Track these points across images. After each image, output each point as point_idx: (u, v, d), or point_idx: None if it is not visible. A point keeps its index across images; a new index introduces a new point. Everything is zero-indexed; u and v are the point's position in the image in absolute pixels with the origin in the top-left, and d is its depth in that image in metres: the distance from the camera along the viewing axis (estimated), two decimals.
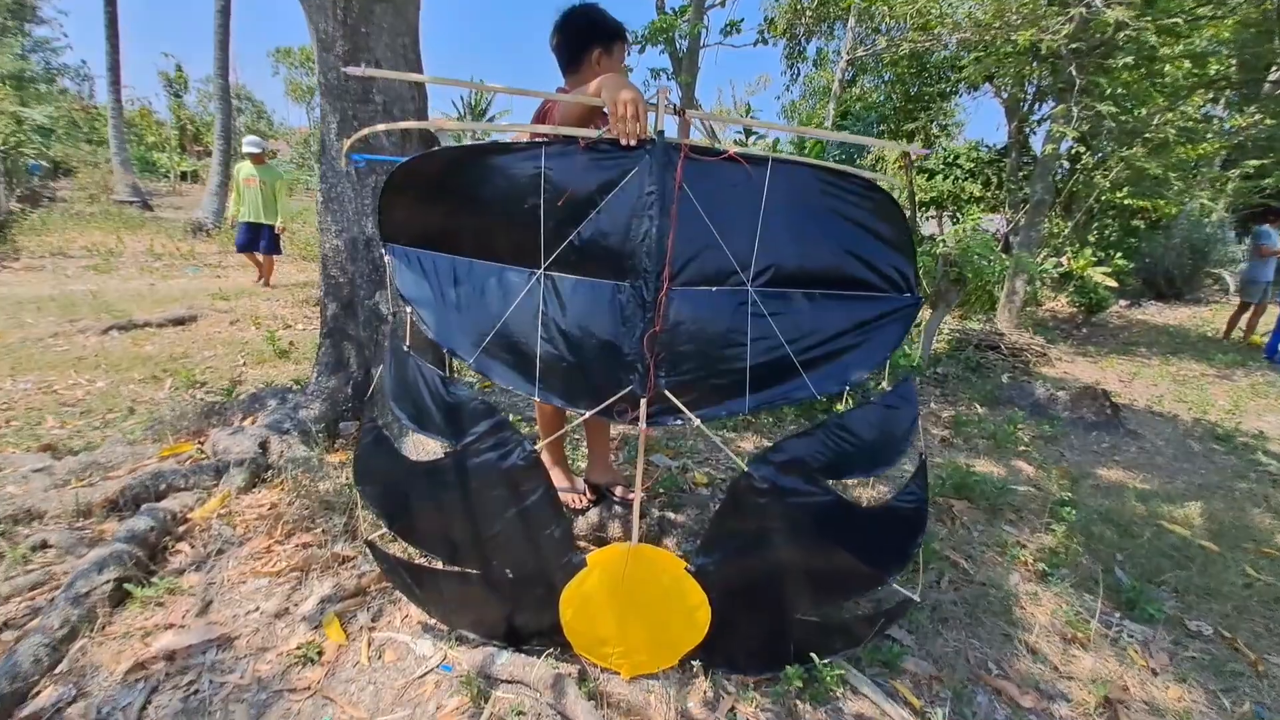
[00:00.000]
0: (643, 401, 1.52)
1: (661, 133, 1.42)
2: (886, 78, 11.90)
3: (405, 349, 1.62)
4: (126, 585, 1.91)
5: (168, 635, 1.78)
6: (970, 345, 6.43)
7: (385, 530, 1.77)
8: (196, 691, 1.65)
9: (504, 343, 1.56)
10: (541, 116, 1.85)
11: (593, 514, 2.29)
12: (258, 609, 1.94)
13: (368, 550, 1.86)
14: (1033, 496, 3.11)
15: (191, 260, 8.97)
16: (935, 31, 9.03)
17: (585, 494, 2.34)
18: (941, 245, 6.44)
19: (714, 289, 1.53)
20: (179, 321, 5.40)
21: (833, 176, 1.53)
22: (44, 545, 2.13)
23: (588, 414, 1.55)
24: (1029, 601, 2.22)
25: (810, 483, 1.59)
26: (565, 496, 2.31)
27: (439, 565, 1.79)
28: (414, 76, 1.77)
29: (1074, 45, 6.56)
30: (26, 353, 4.44)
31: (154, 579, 1.98)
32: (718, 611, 1.66)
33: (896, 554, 1.71)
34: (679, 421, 1.57)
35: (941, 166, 14.16)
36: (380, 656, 1.80)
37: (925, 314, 6.89)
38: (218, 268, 8.77)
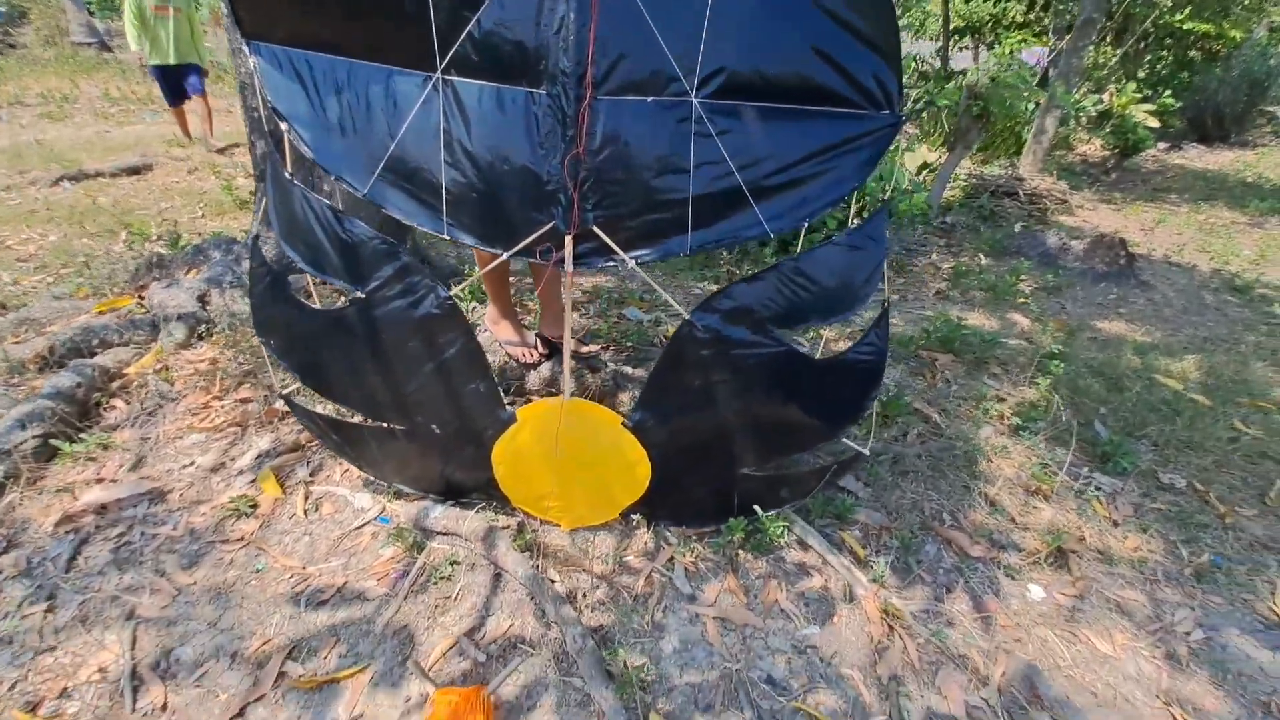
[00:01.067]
0: (568, 239, 1.32)
1: None
2: None
3: (288, 176, 1.39)
4: (54, 442, 1.86)
5: (96, 489, 1.75)
6: (986, 192, 5.99)
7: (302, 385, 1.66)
8: (128, 543, 1.64)
9: (403, 168, 1.32)
10: None
11: (544, 369, 2.18)
12: (193, 464, 1.89)
13: (285, 406, 1.77)
14: (1022, 350, 2.97)
15: (150, 105, 8.32)
16: None
17: (536, 348, 2.21)
18: (969, 75, 5.79)
19: (649, 100, 1.25)
20: (133, 171, 5.06)
21: None
22: None
23: (504, 255, 1.35)
24: (997, 455, 2.14)
25: (759, 332, 1.43)
26: (515, 351, 2.18)
27: (363, 421, 1.69)
28: None
29: None
30: None
31: (84, 435, 1.92)
32: (659, 467, 1.58)
33: (850, 408, 1.58)
34: (610, 263, 1.37)
35: None
36: (317, 510, 1.77)
37: (941, 157, 6.37)
38: None
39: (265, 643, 1.41)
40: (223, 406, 2.10)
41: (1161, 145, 9.93)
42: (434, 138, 1.29)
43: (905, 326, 3.20)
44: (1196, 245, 5.29)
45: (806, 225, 1.43)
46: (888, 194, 5.42)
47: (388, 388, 1.53)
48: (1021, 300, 3.69)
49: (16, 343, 2.35)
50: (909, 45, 11.50)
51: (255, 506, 1.75)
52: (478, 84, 1.25)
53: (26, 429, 1.84)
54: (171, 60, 5.44)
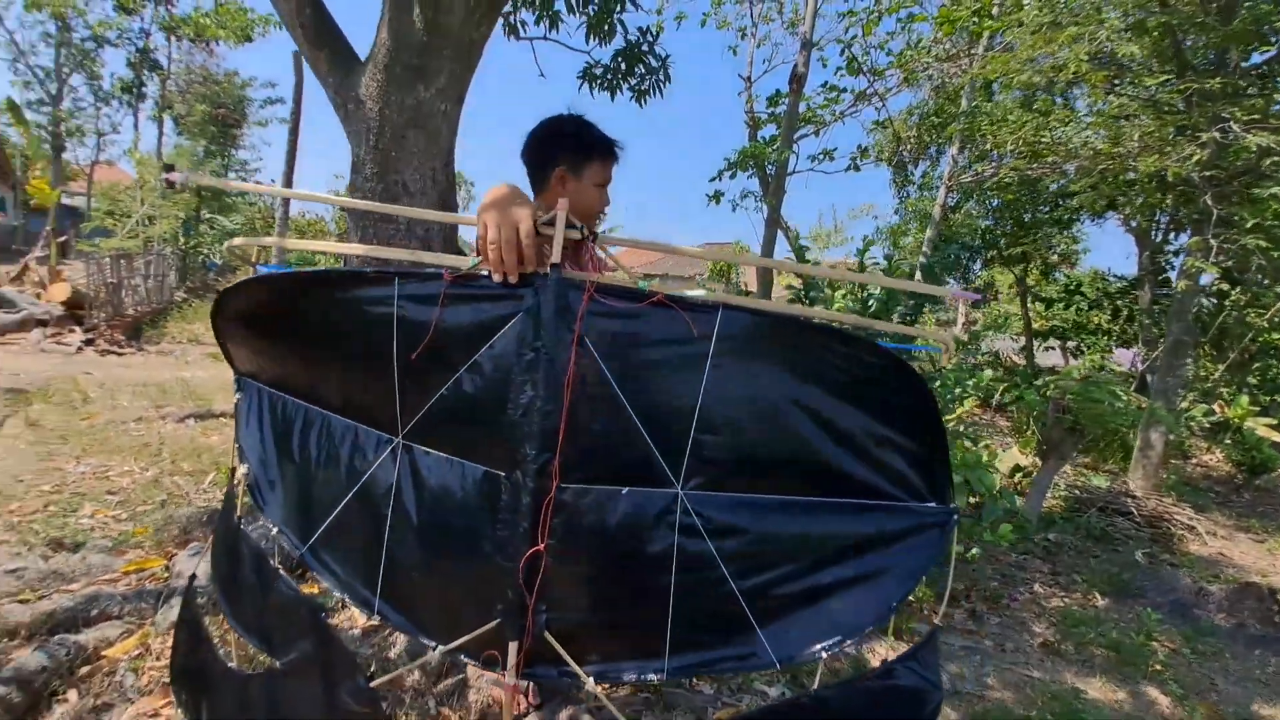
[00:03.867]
0: (512, 647, 1.05)
1: (556, 266, 1.02)
2: (994, 203, 11.21)
3: (236, 519, 1.28)
4: None
5: None
6: (1093, 508, 5.32)
7: None
8: None
9: (345, 530, 1.17)
10: None
11: None
12: None
13: None
14: None
15: None
16: (1048, 159, 8.42)
17: (528, 694, 1.84)
18: (1053, 387, 5.58)
19: (624, 490, 1.06)
20: None
21: (814, 334, 1.08)
22: None
23: (438, 651, 1.10)
24: None
25: None
26: (499, 694, 1.83)
27: None
28: (238, 185, 1.59)
29: (1208, 173, 5.75)
30: (103, 435, 4.66)
31: None
32: None
33: None
34: (565, 677, 1.09)
35: (1062, 295, 12.90)
36: None
37: (1037, 459, 5.87)
38: None
39: None
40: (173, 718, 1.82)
41: None
42: (384, 505, 1.13)
43: (1004, 692, 2.53)
44: None
45: (824, 654, 1.11)
46: (977, 500, 4.97)
47: None
48: (1157, 668, 2.91)
49: (24, 600, 2.29)
50: (991, 342, 11.66)
51: None
52: (438, 455, 1.12)
53: None
54: None
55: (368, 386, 1.14)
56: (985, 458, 5.64)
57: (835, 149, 9.43)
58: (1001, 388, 9.01)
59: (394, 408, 1.12)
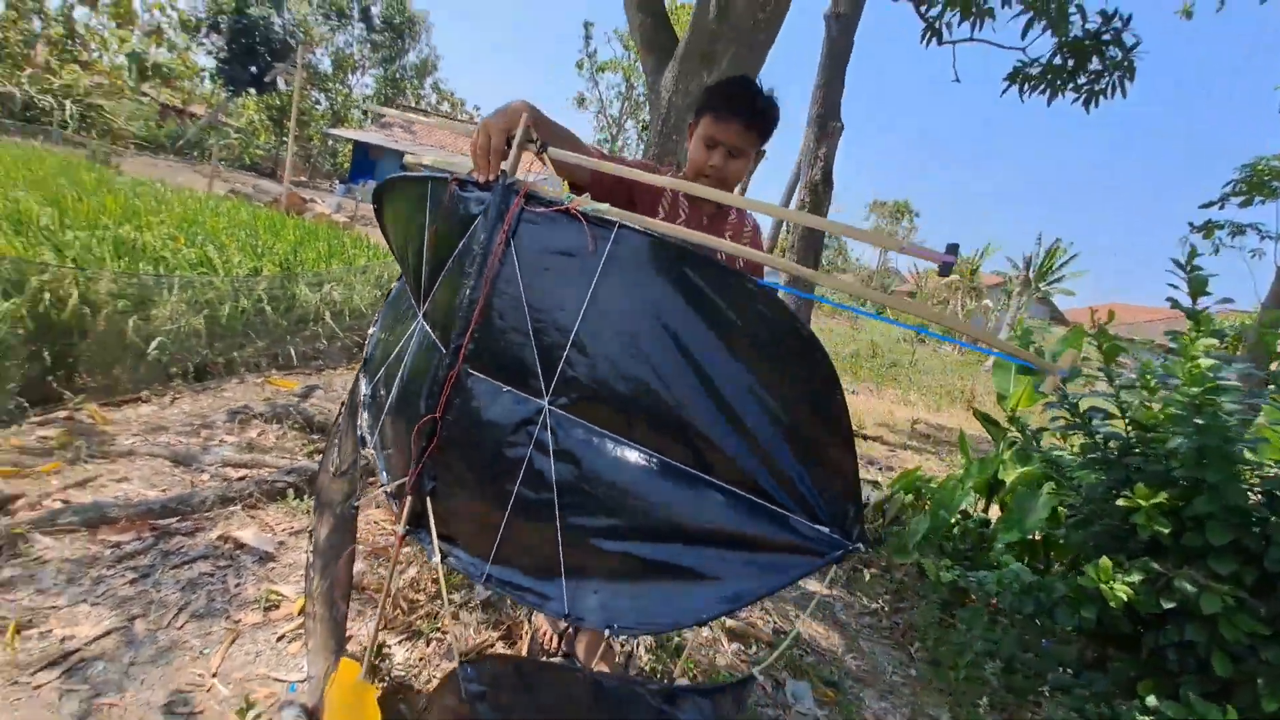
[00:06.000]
0: (406, 502, 1.14)
1: (504, 172, 1.07)
2: None
3: (359, 371, 1.64)
4: (290, 491, 2.50)
5: (249, 532, 2.25)
6: None
7: None
8: (208, 574, 2.02)
9: (380, 386, 1.43)
10: None
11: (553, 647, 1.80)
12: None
13: None
14: None
15: None
16: None
17: (561, 636, 1.84)
18: None
19: (504, 388, 1.04)
20: None
21: (708, 275, 0.87)
22: None
23: (378, 490, 1.27)
24: None
25: None
26: (542, 621, 1.89)
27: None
28: (392, 111, 1.94)
29: None
30: None
31: (308, 495, 2.52)
32: None
33: None
34: (429, 544, 1.11)
35: None
36: (291, 642, 1.82)
37: None
38: None
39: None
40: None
41: None
42: (397, 366, 1.35)
43: None
44: None
45: (609, 631, 0.88)
46: None
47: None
48: None
49: None
50: None
51: (277, 606, 1.94)
52: (427, 329, 1.26)
53: (289, 476, 2.56)
54: None
55: (413, 271, 1.36)
56: None
57: None
58: None
59: (419, 288, 1.32)
